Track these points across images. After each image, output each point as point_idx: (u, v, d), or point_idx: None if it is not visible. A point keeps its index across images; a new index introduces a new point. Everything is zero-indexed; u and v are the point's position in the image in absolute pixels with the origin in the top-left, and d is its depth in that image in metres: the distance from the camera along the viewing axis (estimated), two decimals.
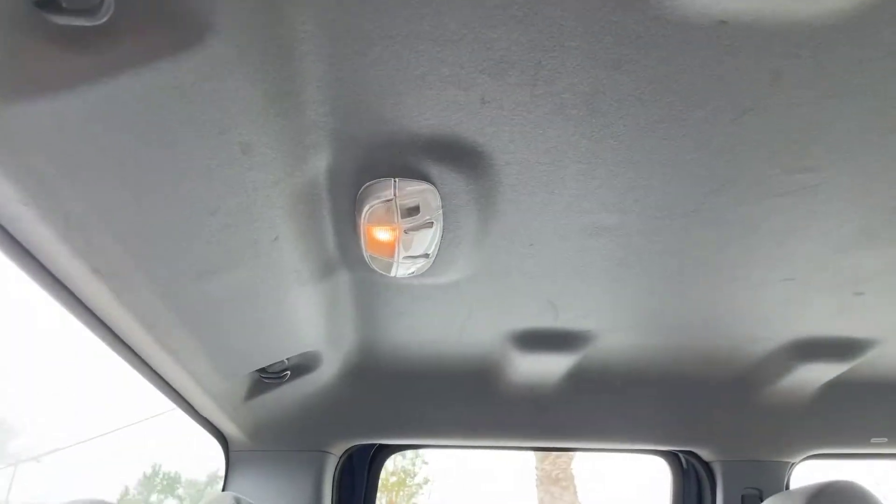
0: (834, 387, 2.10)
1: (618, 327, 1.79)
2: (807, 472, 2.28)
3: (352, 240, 1.32)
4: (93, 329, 1.17)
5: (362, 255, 1.35)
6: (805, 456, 2.24)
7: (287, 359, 1.77)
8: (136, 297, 1.11)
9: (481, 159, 1.11)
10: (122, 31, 0.72)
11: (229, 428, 1.93)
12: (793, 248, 1.38)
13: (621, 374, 2.05)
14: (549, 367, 1.98)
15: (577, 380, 2.05)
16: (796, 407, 2.16)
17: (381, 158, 1.11)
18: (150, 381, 1.46)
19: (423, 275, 1.46)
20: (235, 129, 0.90)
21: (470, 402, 2.12)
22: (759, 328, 1.80)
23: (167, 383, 1.50)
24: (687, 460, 2.36)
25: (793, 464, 2.24)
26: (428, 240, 1.29)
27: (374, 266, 1.38)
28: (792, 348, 1.89)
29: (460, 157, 1.10)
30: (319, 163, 1.10)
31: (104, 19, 0.67)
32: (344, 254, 1.40)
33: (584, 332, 1.82)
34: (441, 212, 1.23)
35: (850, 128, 1.03)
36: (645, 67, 0.91)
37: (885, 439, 2.21)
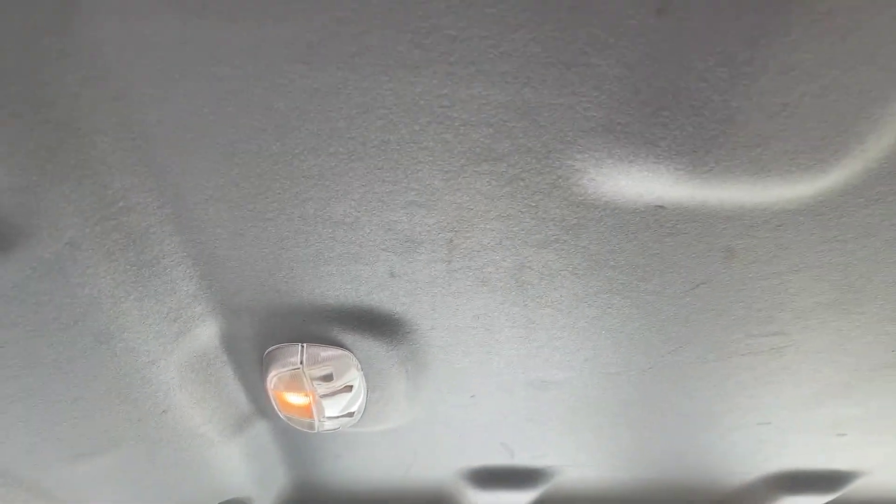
0: None
1: (580, 464, 1.62)
2: None
3: (264, 400, 1.15)
4: None
5: (278, 413, 1.17)
6: None
7: None
8: None
9: (400, 326, 0.96)
10: None
11: None
12: (766, 399, 1.23)
13: None
14: (509, 501, 1.78)
15: None
16: None
17: (283, 326, 0.95)
18: None
19: (354, 425, 1.29)
20: (85, 319, 0.75)
21: None
22: (735, 464, 1.63)
23: None
24: None
25: None
26: (348, 401, 1.12)
27: (292, 424, 1.20)
28: (772, 480, 1.72)
29: (376, 324, 0.95)
30: (206, 332, 0.93)
31: None
32: (258, 409, 1.23)
33: (544, 469, 1.64)
34: (361, 374, 1.07)
35: (820, 299, 0.90)
36: (575, 247, 0.77)
37: None
